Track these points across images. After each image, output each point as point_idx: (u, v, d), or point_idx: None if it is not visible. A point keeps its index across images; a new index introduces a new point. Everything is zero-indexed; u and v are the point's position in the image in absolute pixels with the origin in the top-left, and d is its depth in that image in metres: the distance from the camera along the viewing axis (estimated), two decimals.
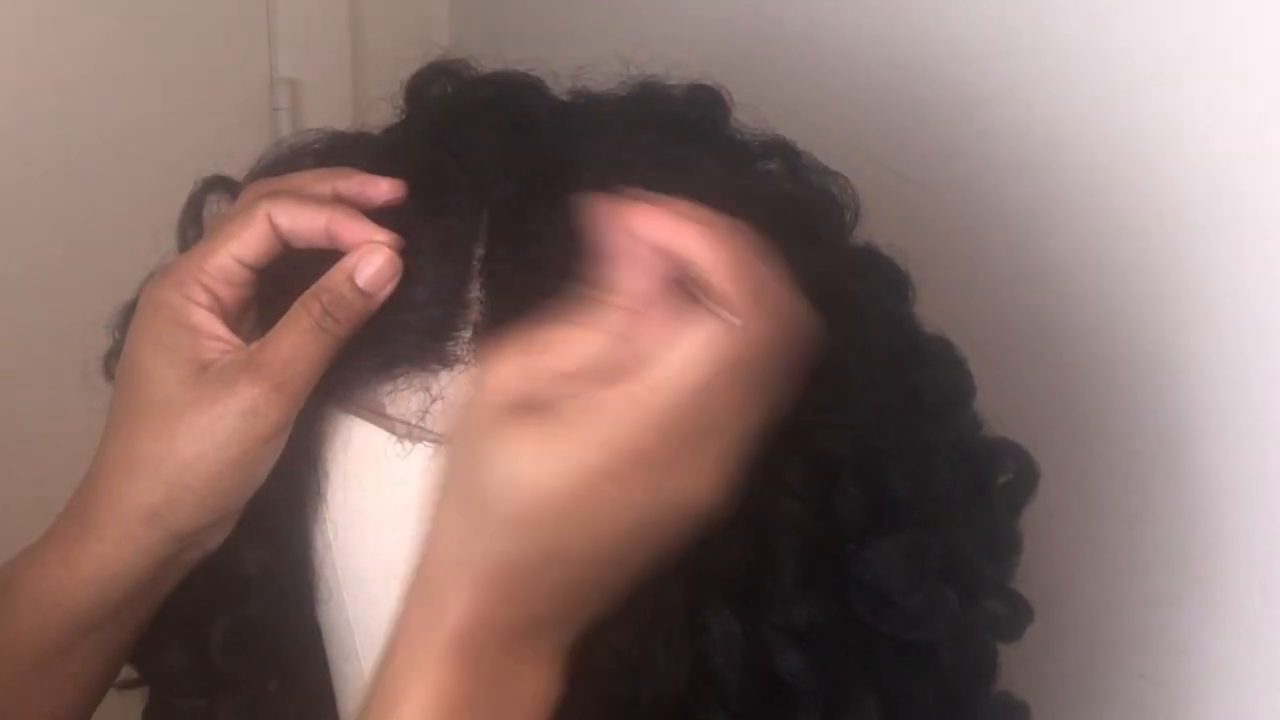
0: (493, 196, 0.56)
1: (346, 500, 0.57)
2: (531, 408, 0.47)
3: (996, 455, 0.61)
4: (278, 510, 0.58)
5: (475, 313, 0.55)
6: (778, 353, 0.48)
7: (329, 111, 1.15)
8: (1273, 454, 0.68)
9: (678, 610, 0.52)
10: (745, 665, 0.53)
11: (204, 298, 0.57)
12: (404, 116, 0.63)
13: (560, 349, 0.48)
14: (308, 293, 0.56)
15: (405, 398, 0.55)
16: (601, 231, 0.49)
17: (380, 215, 0.57)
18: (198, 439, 0.55)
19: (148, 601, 0.60)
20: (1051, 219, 0.75)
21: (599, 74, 0.62)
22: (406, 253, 0.56)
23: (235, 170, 0.65)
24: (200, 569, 0.60)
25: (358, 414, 0.56)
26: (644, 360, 0.47)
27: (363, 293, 0.55)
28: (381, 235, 0.56)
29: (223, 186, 0.64)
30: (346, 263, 0.55)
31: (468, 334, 0.55)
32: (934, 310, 0.61)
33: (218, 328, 0.57)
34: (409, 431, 0.55)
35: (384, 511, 0.56)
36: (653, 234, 0.48)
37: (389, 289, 0.55)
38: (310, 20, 1.16)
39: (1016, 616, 0.60)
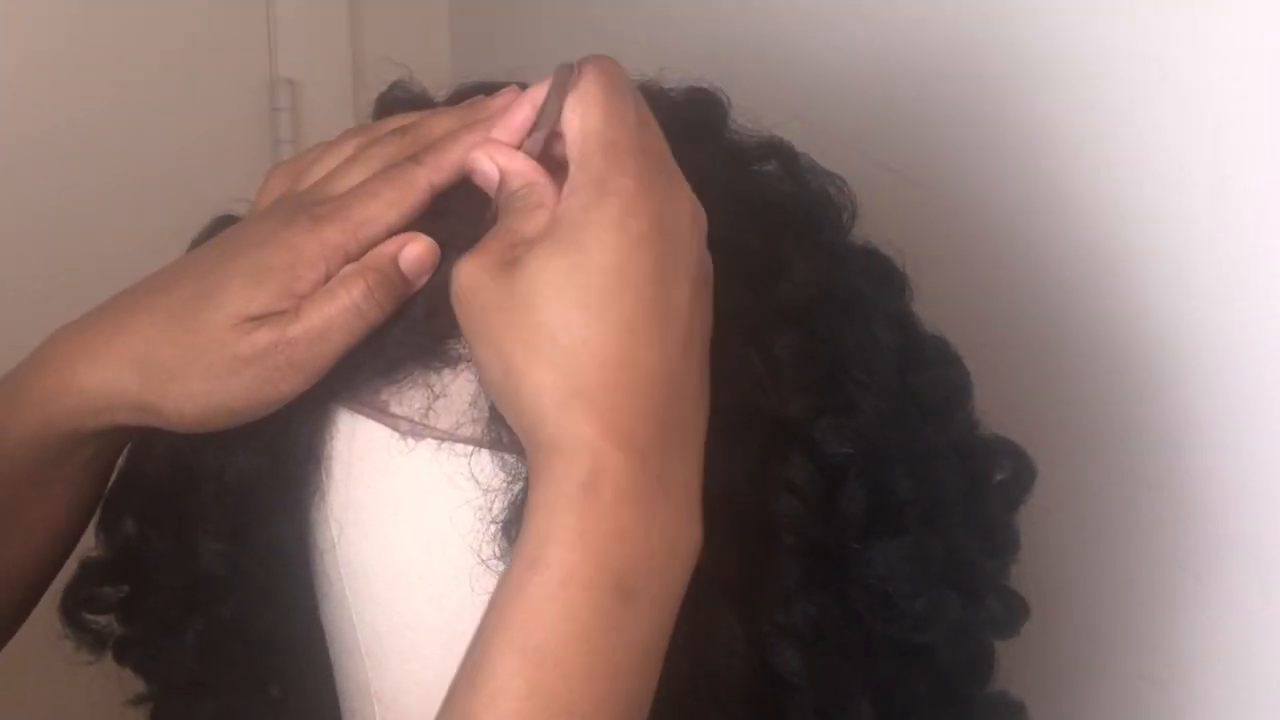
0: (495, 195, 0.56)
1: (350, 498, 0.57)
2: (512, 255, 0.51)
3: (993, 453, 0.61)
4: (276, 509, 0.58)
5: None
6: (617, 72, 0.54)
7: (329, 111, 1.15)
8: (1272, 453, 0.68)
9: (682, 610, 0.52)
10: (744, 664, 0.53)
11: (336, 270, 0.56)
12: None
13: (502, 228, 0.53)
14: (351, 270, 0.55)
15: (408, 395, 0.55)
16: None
17: None
18: (211, 379, 0.55)
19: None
20: (1050, 218, 0.75)
21: None
22: None
23: (235, 170, 0.65)
24: (184, 574, 0.60)
25: (361, 411, 0.56)
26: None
27: (405, 278, 0.55)
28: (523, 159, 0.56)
29: (232, 225, 0.63)
30: (388, 247, 0.55)
31: None
32: (932, 309, 0.61)
33: (299, 305, 0.56)
34: (412, 428, 0.55)
35: (388, 509, 0.56)
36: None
37: (429, 275, 0.55)
38: (310, 20, 1.16)
39: (1013, 614, 0.60)
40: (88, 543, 0.64)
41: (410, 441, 0.55)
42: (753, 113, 0.61)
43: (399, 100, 0.64)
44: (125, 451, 0.63)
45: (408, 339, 0.55)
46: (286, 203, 0.59)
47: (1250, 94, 0.66)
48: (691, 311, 0.51)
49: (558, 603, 0.47)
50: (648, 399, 0.49)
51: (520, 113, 0.56)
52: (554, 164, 0.55)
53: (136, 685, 0.65)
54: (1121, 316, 0.73)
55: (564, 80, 0.54)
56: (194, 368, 0.56)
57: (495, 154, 0.56)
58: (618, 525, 0.48)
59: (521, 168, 0.55)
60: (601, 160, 0.52)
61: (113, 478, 0.63)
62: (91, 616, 0.64)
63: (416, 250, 0.55)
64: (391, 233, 0.56)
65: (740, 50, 0.90)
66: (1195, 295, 0.69)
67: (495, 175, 0.55)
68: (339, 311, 0.55)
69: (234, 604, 0.60)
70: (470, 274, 0.51)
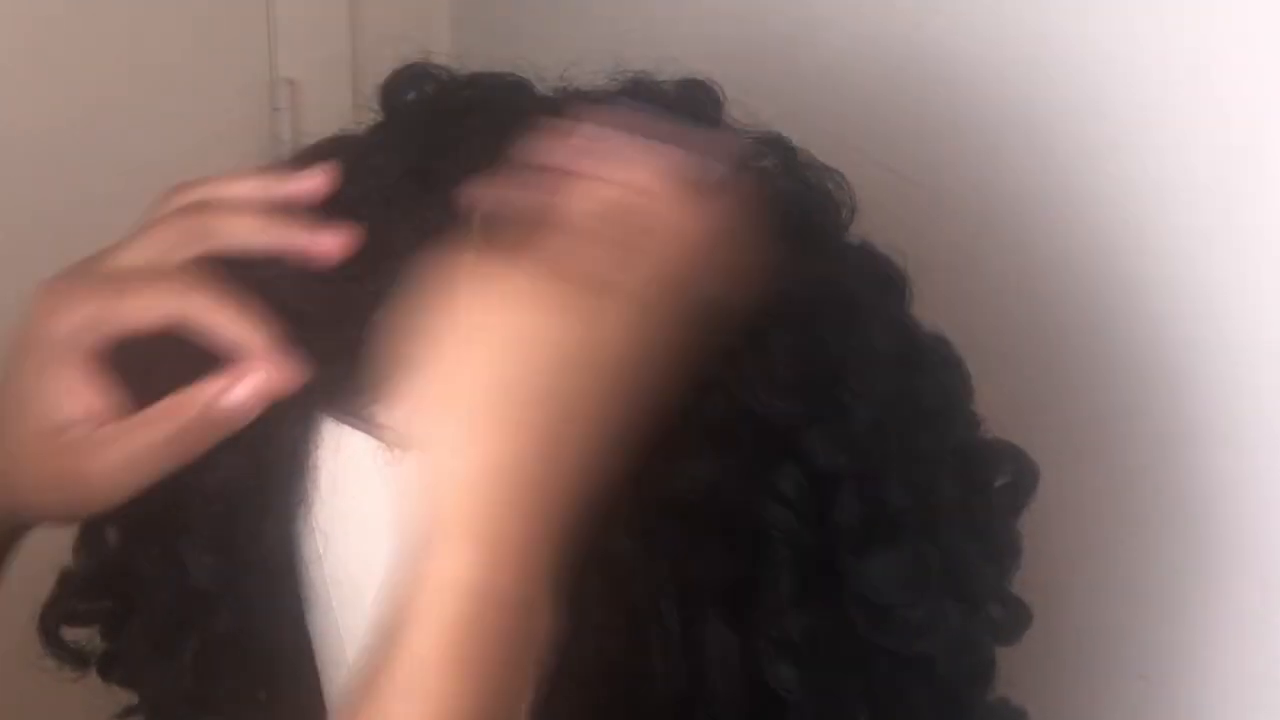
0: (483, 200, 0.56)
1: (335, 508, 0.57)
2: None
3: (995, 457, 0.60)
4: (264, 521, 0.57)
5: None
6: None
7: (329, 111, 1.14)
8: (1272, 454, 0.68)
9: (672, 621, 0.52)
10: (739, 676, 0.53)
11: (91, 348, 0.55)
12: (383, 119, 0.62)
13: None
14: (164, 405, 0.54)
15: (394, 404, 0.55)
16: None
17: (368, 219, 0.56)
18: (38, 487, 0.56)
19: None
20: (1051, 218, 0.75)
21: (592, 71, 0.61)
22: (394, 256, 0.55)
23: (234, 169, 0.64)
24: (171, 589, 0.60)
25: (346, 422, 0.56)
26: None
27: (227, 416, 0.54)
28: (329, 235, 0.55)
29: None
30: (210, 387, 0.54)
31: None
32: (931, 309, 0.60)
33: (88, 388, 0.55)
34: (398, 439, 0.55)
35: (374, 518, 0.56)
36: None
37: (260, 408, 0.54)
38: (310, 20, 1.16)
39: (1015, 621, 0.60)
40: (65, 556, 0.64)
41: (396, 452, 0.54)
42: (752, 110, 0.61)
43: (405, 87, 0.63)
44: None
45: (391, 347, 0.55)
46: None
47: (1251, 94, 0.66)
48: (598, 422, 0.49)
49: None
50: (540, 507, 0.48)
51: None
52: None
53: (123, 696, 0.65)
54: (1121, 317, 0.73)
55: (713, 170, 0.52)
56: (17, 483, 0.56)
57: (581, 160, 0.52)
58: (499, 649, 0.47)
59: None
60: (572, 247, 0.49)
61: None
62: (72, 634, 0.64)
63: (241, 392, 0.54)
64: (146, 326, 0.55)
65: (739, 47, 0.90)
66: (1195, 296, 0.69)
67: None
68: (146, 448, 0.54)
69: (228, 618, 0.59)
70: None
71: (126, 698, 0.65)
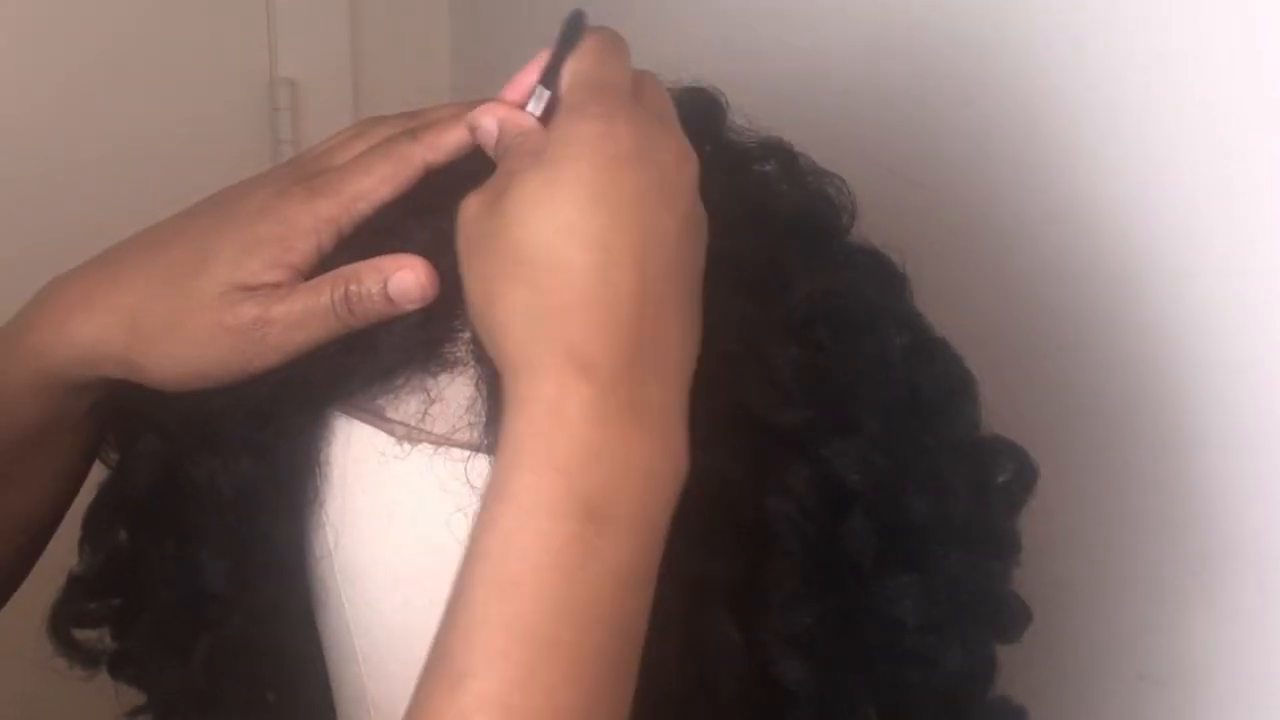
0: None
1: (346, 503, 0.57)
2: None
3: (995, 454, 0.61)
4: (276, 519, 0.58)
5: None
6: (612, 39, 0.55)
7: (329, 111, 1.15)
8: (1272, 454, 0.68)
9: (677, 615, 0.52)
10: (743, 672, 0.53)
11: (330, 245, 0.57)
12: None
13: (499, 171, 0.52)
14: (339, 273, 0.56)
15: (405, 400, 0.55)
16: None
17: (374, 218, 0.57)
18: (196, 340, 0.57)
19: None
20: (1051, 218, 0.75)
21: None
22: (403, 249, 0.56)
23: (235, 170, 0.65)
24: (182, 589, 0.60)
25: (357, 416, 0.56)
26: None
27: (389, 299, 0.55)
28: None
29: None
30: (385, 264, 0.55)
31: (466, 334, 0.55)
32: (932, 310, 0.60)
33: (290, 275, 0.56)
34: (408, 433, 0.55)
35: (384, 513, 0.56)
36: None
37: (414, 306, 0.55)
38: (310, 20, 1.16)
39: (1015, 620, 0.60)
40: (73, 558, 0.64)
41: (406, 446, 0.55)
42: (752, 113, 0.61)
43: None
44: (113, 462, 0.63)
45: (404, 343, 0.55)
46: (285, 171, 0.60)
47: (1252, 94, 0.66)
48: (679, 242, 0.50)
49: (528, 531, 0.46)
50: (620, 320, 0.48)
51: (528, 75, 0.56)
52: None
53: (132, 694, 0.65)
54: (1121, 317, 0.73)
55: (570, 39, 0.55)
56: (179, 331, 0.57)
57: (496, 110, 0.56)
58: (585, 449, 0.47)
59: (519, 120, 0.55)
60: (585, 93, 0.52)
61: (98, 490, 0.63)
62: (82, 633, 0.64)
63: (407, 281, 0.55)
64: (383, 205, 0.57)
65: (739, 51, 0.90)
66: (1196, 296, 0.69)
67: (495, 131, 0.55)
68: (319, 308, 0.55)
69: (240, 618, 0.59)
70: (467, 207, 0.51)
71: (135, 697, 0.65)
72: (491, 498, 0.47)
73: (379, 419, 0.55)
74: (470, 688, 0.45)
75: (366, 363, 0.55)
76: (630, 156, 0.49)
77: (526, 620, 0.46)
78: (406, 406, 0.55)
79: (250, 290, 0.56)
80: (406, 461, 0.55)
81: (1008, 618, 0.60)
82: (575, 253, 0.48)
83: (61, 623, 0.64)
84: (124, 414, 0.62)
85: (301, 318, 0.55)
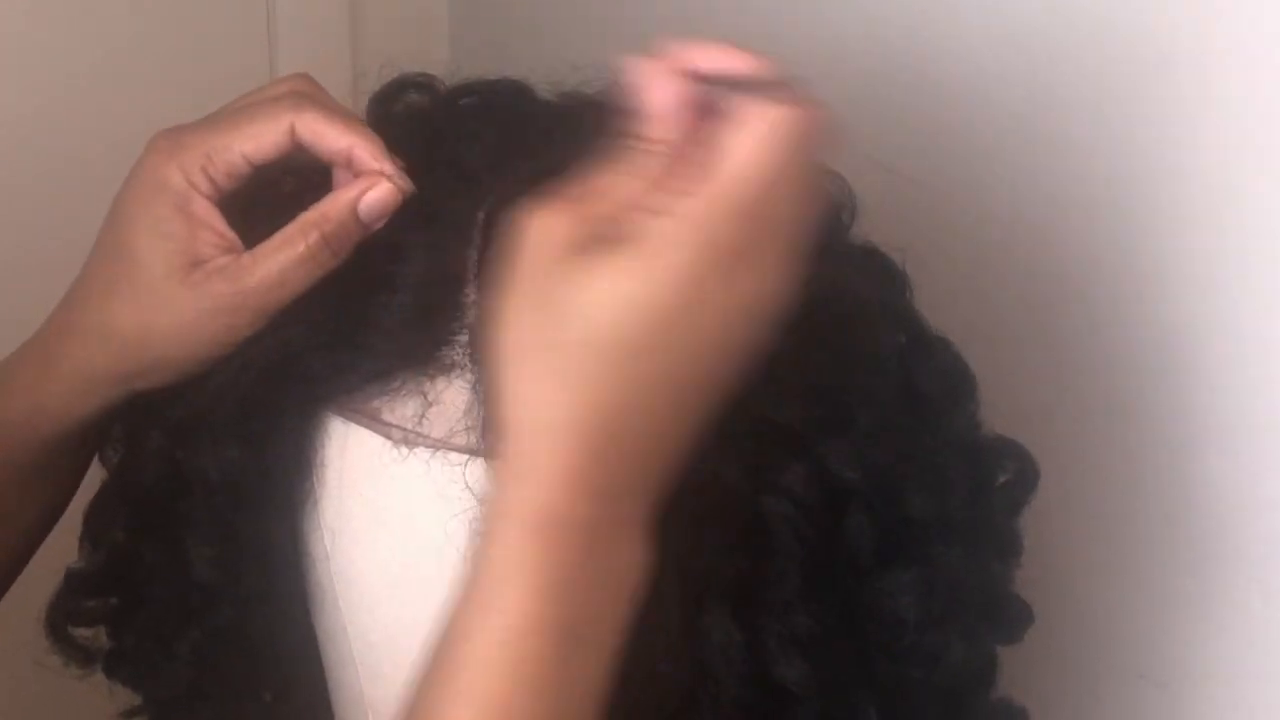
0: (487, 199, 0.56)
1: (343, 507, 0.57)
2: (594, 243, 0.46)
3: (996, 455, 0.61)
4: (267, 514, 0.58)
5: (471, 316, 0.55)
6: (822, 139, 0.48)
7: None
8: (1273, 454, 0.68)
9: (679, 614, 0.52)
10: (745, 671, 0.53)
11: (207, 186, 0.57)
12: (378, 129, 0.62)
13: (605, 190, 0.47)
14: (306, 217, 0.56)
15: (402, 403, 0.55)
16: (630, 83, 0.49)
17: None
18: (179, 332, 0.57)
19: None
20: (1050, 218, 0.75)
21: (593, 72, 0.61)
22: (400, 255, 0.56)
23: None
24: (174, 582, 0.60)
25: (354, 420, 0.56)
26: (697, 174, 0.46)
27: (361, 223, 0.55)
28: (396, 168, 0.56)
29: None
30: (348, 192, 0.55)
31: (464, 338, 0.55)
32: (932, 310, 0.60)
33: (216, 220, 0.57)
34: (405, 437, 0.55)
35: (381, 517, 0.56)
36: (693, 60, 0.49)
37: (389, 214, 0.55)
38: (310, 20, 1.16)
39: (1017, 620, 0.60)
40: (72, 554, 0.64)
41: (403, 450, 0.55)
42: None
43: (396, 98, 0.63)
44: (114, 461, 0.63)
45: (401, 346, 0.55)
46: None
47: (1253, 93, 0.66)
48: (718, 381, 0.48)
49: (510, 649, 0.46)
50: (638, 453, 0.47)
51: (730, 59, 0.50)
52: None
53: (127, 696, 0.65)
54: (1122, 317, 0.73)
55: (776, 83, 0.48)
56: (158, 330, 0.57)
57: (666, 85, 0.49)
58: (575, 572, 0.46)
59: (668, 120, 0.49)
60: (717, 207, 0.46)
61: (99, 487, 0.63)
62: (78, 631, 0.64)
63: (376, 198, 0.55)
64: (247, 157, 0.57)
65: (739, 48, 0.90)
66: (1196, 296, 0.69)
67: (650, 101, 0.49)
68: (297, 259, 0.55)
69: (228, 612, 0.59)
70: (549, 229, 0.47)
71: (131, 699, 0.65)
72: (477, 604, 0.47)
73: (376, 422, 0.55)
74: None
75: (363, 367, 0.55)
76: (719, 302, 0.46)
77: None
78: (404, 410, 0.55)
79: (202, 263, 0.56)
80: (404, 465, 0.55)
81: (1009, 618, 0.60)
82: (626, 384, 0.46)
83: (59, 620, 0.64)
84: (130, 411, 0.62)
85: (280, 276, 0.55)
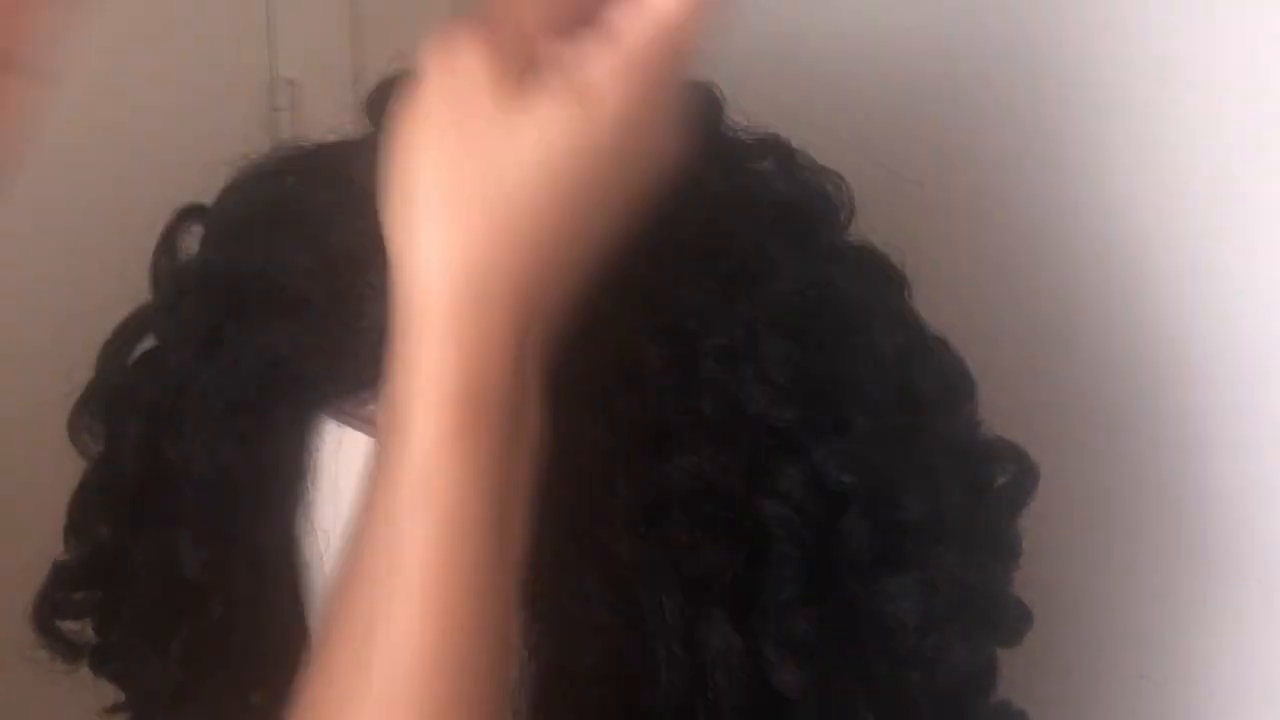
0: None
1: (337, 509, 0.57)
2: (520, 85, 0.46)
3: (995, 456, 0.61)
4: (259, 514, 0.57)
5: None
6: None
7: (329, 111, 1.14)
8: (1273, 454, 0.68)
9: (675, 621, 0.52)
10: (743, 678, 0.53)
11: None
12: (373, 130, 0.62)
13: (515, 25, 0.47)
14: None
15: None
16: None
17: (369, 216, 0.56)
18: None
19: None
20: (1051, 218, 0.75)
21: None
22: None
23: (235, 170, 0.65)
24: (162, 580, 0.59)
25: (347, 422, 0.56)
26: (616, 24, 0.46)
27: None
28: None
29: (198, 215, 0.63)
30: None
31: None
32: (931, 310, 0.60)
33: None
34: None
35: None
36: None
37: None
38: (310, 20, 1.16)
39: (1016, 622, 0.60)
40: (57, 546, 0.63)
41: None
42: (750, 112, 0.61)
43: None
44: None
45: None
46: None
47: (1253, 93, 0.66)
48: (606, 236, 0.48)
49: (452, 529, 0.46)
50: (551, 303, 0.47)
51: None
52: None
53: (110, 692, 0.64)
54: (1122, 318, 0.73)
55: None
56: None
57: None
58: (501, 445, 0.46)
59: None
60: (651, 50, 0.47)
61: (81, 478, 0.62)
62: (65, 624, 0.63)
63: None
64: None
65: (738, 49, 0.90)
66: (1196, 297, 0.69)
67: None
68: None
69: (217, 611, 0.59)
70: (483, 75, 0.46)
71: (116, 696, 0.64)
72: (411, 489, 0.46)
73: (369, 425, 0.55)
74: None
75: (353, 367, 0.55)
76: (643, 149, 0.47)
77: (449, 625, 0.45)
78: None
79: None
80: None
81: (1008, 620, 0.60)
82: (552, 225, 0.46)
83: (46, 613, 0.63)
84: (107, 397, 0.62)
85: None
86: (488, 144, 0.46)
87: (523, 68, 0.47)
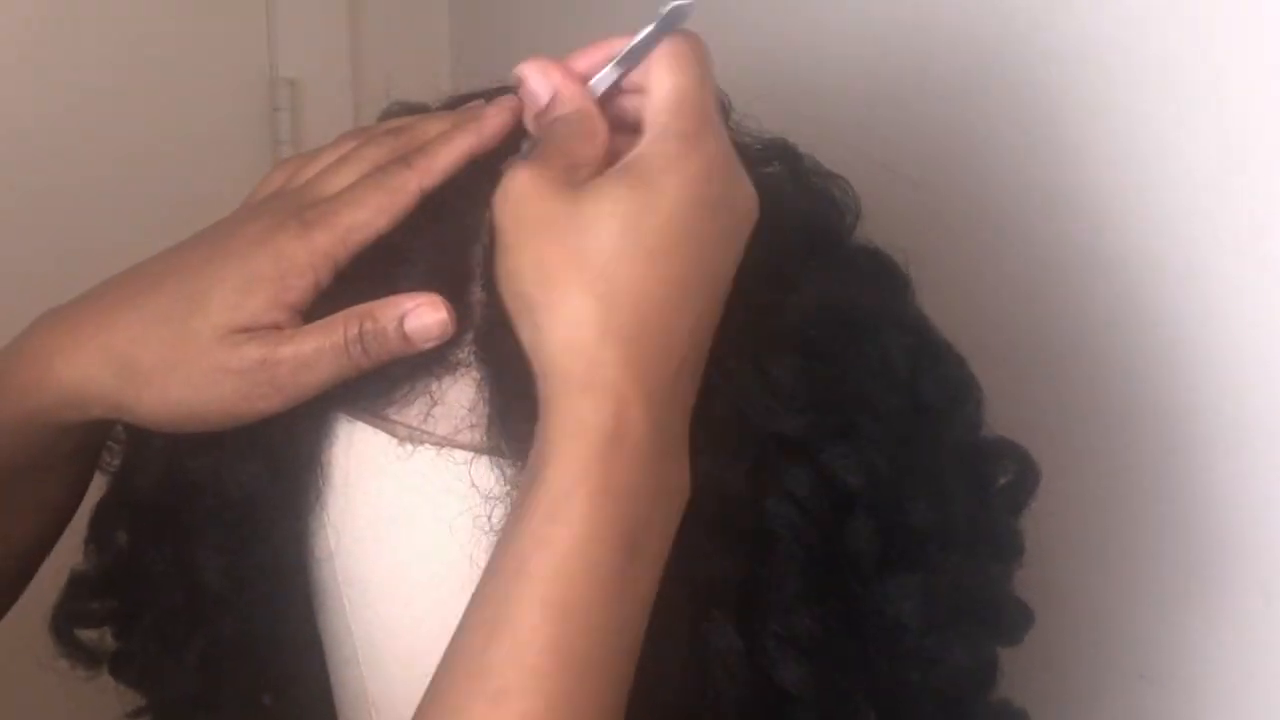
0: (490, 197, 0.56)
1: (348, 505, 0.57)
2: (579, 179, 0.51)
3: (997, 456, 0.61)
4: (277, 520, 0.57)
5: (477, 314, 0.55)
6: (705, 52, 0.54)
7: (329, 111, 1.15)
8: (1273, 455, 0.68)
9: (680, 619, 0.52)
10: (744, 675, 0.53)
11: (328, 278, 0.55)
12: None
13: (562, 149, 0.53)
14: (352, 312, 0.54)
15: (407, 401, 0.55)
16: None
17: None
18: (196, 384, 0.55)
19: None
20: (1052, 219, 0.75)
21: None
22: (405, 257, 0.56)
23: (235, 170, 0.64)
24: (181, 589, 0.59)
25: (360, 418, 0.56)
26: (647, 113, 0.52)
27: (405, 337, 0.54)
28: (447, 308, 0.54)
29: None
30: (402, 301, 0.54)
31: (469, 336, 0.55)
32: (933, 311, 0.60)
33: (289, 315, 0.55)
34: (411, 434, 0.55)
35: (386, 516, 0.56)
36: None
37: (432, 344, 0.54)
38: (310, 20, 1.16)
39: (1017, 622, 0.60)
40: (76, 556, 0.64)
41: (409, 448, 0.55)
42: (757, 114, 0.61)
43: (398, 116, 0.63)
44: (117, 462, 0.62)
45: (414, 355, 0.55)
46: (276, 203, 0.59)
47: (1253, 92, 0.66)
48: (727, 285, 0.52)
49: (581, 559, 0.48)
50: (673, 355, 0.50)
51: (601, 51, 0.55)
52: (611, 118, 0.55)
53: (132, 695, 0.65)
54: (1122, 319, 0.73)
55: (663, 30, 0.53)
56: (175, 374, 0.55)
57: (551, 73, 0.55)
58: (638, 481, 0.49)
59: (577, 94, 0.54)
60: (695, 119, 0.52)
61: (105, 489, 0.63)
62: (84, 633, 0.64)
63: (426, 317, 0.54)
64: (379, 236, 0.55)
65: (741, 51, 0.90)
66: (1196, 297, 0.69)
67: (543, 97, 0.55)
68: (330, 347, 0.54)
69: (237, 619, 0.59)
70: (528, 182, 0.51)
71: (137, 700, 0.65)
72: (542, 516, 0.48)
73: (382, 420, 0.55)
74: (513, 706, 0.47)
75: (375, 374, 0.55)
76: (718, 204, 0.51)
77: (573, 646, 0.47)
78: (410, 408, 0.55)
79: (250, 331, 0.55)
80: (409, 463, 0.55)
81: (1009, 620, 0.60)
82: (655, 285, 0.49)
83: (64, 622, 0.64)
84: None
85: (312, 357, 0.54)
86: (568, 234, 0.50)
87: (580, 177, 0.51)
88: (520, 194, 0.51)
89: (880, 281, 0.59)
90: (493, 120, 0.57)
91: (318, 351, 0.54)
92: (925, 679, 0.57)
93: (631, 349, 0.49)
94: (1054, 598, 0.64)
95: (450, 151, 0.57)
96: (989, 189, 0.78)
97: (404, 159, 0.57)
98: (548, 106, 0.55)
